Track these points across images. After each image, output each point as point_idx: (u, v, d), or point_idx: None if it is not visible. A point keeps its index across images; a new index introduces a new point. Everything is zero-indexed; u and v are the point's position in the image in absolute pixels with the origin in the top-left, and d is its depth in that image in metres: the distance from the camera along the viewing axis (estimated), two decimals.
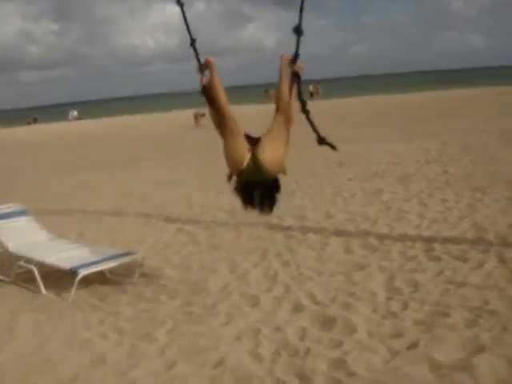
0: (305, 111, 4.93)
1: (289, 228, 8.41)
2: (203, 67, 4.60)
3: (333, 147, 5.13)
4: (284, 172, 4.37)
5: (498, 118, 22.64)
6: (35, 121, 65.11)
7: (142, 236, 8.91)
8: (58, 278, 6.86)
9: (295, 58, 4.65)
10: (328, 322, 5.12)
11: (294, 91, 4.51)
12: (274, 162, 4.20)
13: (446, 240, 7.29)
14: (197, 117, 35.46)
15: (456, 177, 11.46)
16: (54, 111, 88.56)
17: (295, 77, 4.48)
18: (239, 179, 4.30)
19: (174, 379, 4.34)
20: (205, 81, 4.57)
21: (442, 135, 18.79)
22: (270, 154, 4.16)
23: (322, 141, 5.03)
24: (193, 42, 5.13)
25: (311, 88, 58.49)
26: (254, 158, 4.14)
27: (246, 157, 4.17)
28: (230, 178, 4.45)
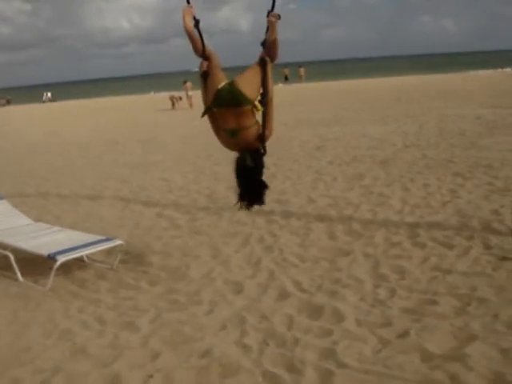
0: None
1: (270, 212, 8.28)
2: (206, 55, 4.70)
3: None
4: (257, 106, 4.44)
5: (472, 103, 22.73)
6: (9, 102, 64.19)
7: (120, 220, 8.73)
8: (36, 265, 6.66)
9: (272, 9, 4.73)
10: (315, 311, 5.02)
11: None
12: (250, 86, 4.41)
13: (429, 226, 7.22)
14: (173, 100, 35.22)
15: (436, 161, 11.43)
16: (28, 93, 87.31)
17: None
18: (214, 105, 4.50)
19: (160, 371, 4.20)
20: (205, 66, 4.68)
21: (418, 119, 18.81)
22: (246, 79, 4.45)
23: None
24: (197, 23, 5.02)
25: (286, 72, 58.79)
26: (231, 82, 4.41)
27: (223, 81, 4.45)
28: (204, 112, 4.68)
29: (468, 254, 6.12)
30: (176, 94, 35.80)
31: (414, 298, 5.13)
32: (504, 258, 5.93)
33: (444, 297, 5.09)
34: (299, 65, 61.82)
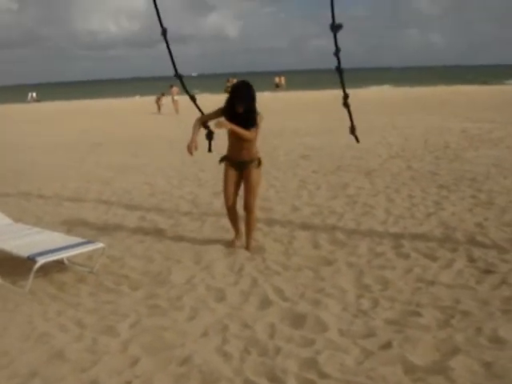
0: (346, 105, 7.41)
1: (257, 218, 8.21)
2: (211, 135, 7.46)
3: (357, 140, 7.72)
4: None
5: (457, 117, 22.89)
6: None
7: (102, 223, 8.63)
8: (15, 266, 6.54)
9: (336, 52, 6.75)
10: (298, 319, 4.95)
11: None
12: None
13: (413, 237, 7.21)
14: (158, 103, 35.26)
15: (421, 173, 11.47)
16: (12, 92, 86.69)
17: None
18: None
19: (138, 377, 4.11)
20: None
21: (403, 131, 18.90)
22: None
23: (352, 131, 7.53)
24: (164, 32, 5.48)
25: (277, 80, 59.05)
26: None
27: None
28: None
29: (452, 266, 6.11)
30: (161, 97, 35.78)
31: (397, 309, 5.09)
32: (487, 271, 5.92)
33: (427, 308, 5.06)
34: (281, 74, 62.17)
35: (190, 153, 6.83)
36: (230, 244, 7.19)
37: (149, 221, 8.69)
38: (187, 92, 8.05)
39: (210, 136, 7.67)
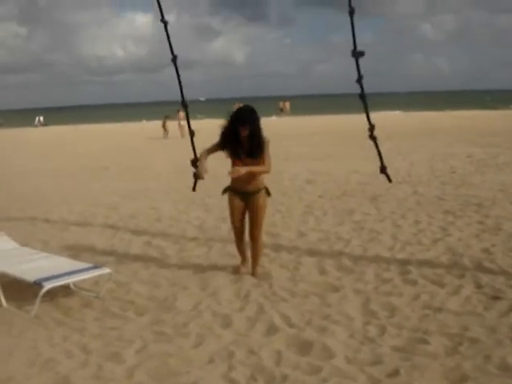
0: (372, 137, 7.46)
1: (263, 244, 8.20)
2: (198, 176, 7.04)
3: (389, 179, 7.47)
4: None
5: (463, 142, 22.91)
6: (1, 125, 64.21)
7: (108, 248, 8.63)
8: (21, 290, 6.54)
9: (359, 79, 6.72)
10: (304, 346, 4.93)
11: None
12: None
13: (420, 263, 7.18)
14: (164, 124, 35.53)
15: (427, 198, 11.45)
16: (20, 116, 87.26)
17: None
18: None
19: None
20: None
21: (409, 156, 18.90)
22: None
23: (383, 170, 7.37)
24: (174, 59, 5.53)
25: (281, 105, 59.61)
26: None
27: None
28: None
29: (459, 293, 6.07)
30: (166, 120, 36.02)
31: (405, 336, 5.06)
32: (495, 298, 5.89)
33: (435, 336, 5.02)
34: (286, 99, 62.80)
35: (202, 177, 6.87)
36: (235, 270, 7.14)
37: (155, 246, 8.68)
38: (189, 126, 7.97)
39: (198, 176, 7.37)
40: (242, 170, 6.39)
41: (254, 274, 6.97)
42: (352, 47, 6.70)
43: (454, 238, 8.32)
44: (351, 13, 6.64)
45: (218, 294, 6.39)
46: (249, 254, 7.15)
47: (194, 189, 7.76)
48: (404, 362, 4.55)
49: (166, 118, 36.35)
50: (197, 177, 7.32)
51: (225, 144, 6.61)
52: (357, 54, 6.65)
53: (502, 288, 6.16)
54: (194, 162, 7.32)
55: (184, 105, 7.92)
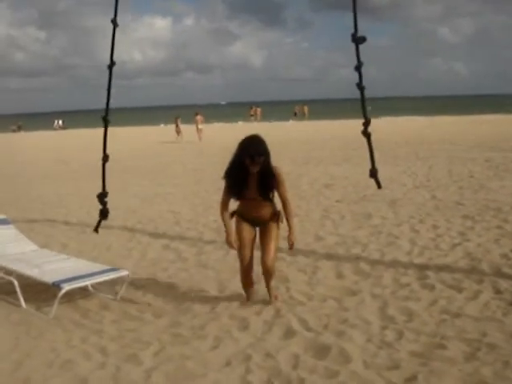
0: (365, 134, 6.62)
1: (278, 249, 8.20)
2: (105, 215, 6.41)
3: (379, 185, 7.07)
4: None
5: (481, 146, 22.75)
6: (20, 128, 64.73)
7: (127, 251, 8.69)
8: (39, 292, 6.62)
9: (358, 66, 6.11)
10: (321, 350, 4.92)
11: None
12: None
13: (438, 268, 7.14)
14: (177, 126, 35.54)
15: (445, 203, 11.39)
16: (39, 119, 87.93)
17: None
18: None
19: None
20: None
21: (427, 160, 18.81)
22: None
23: (373, 174, 5.99)
24: (111, 65, 5.51)
25: (296, 109, 60.16)
26: None
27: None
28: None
29: (478, 298, 6.03)
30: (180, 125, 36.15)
31: (422, 341, 5.03)
32: None
33: (453, 341, 4.99)
34: (303, 103, 63.65)
35: (233, 247, 5.97)
36: (244, 303, 6.22)
37: (173, 249, 8.72)
38: (104, 149, 7.70)
39: (104, 215, 7.17)
40: (292, 238, 5.95)
41: (271, 302, 6.12)
42: (353, 31, 6.25)
43: (472, 243, 8.26)
44: None
45: (235, 297, 6.40)
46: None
47: (96, 229, 7.44)
48: (422, 367, 4.53)
49: (177, 118, 36.24)
50: (102, 217, 6.99)
51: (232, 184, 5.94)
52: (357, 40, 6.21)
53: None
54: (102, 198, 6.92)
55: (104, 119, 7.53)
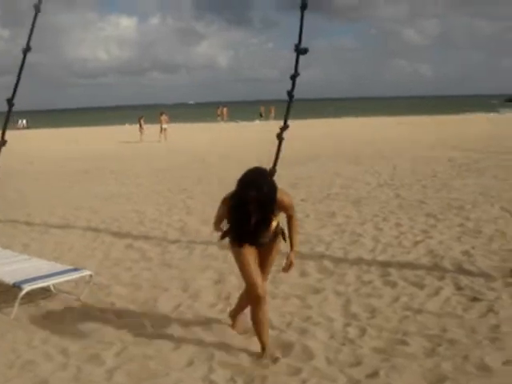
0: (279, 137, 5.66)
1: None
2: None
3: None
4: None
5: (444, 146, 23.05)
6: None
7: (89, 251, 8.60)
8: (0, 293, 6.51)
9: (294, 75, 5.25)
10: (284, 348, 4.93)
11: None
12: None
13: (401, 265, 7.22)
14: (140, 128, 35.57)
15: (409, 201, 11.51)
16: (2, 118, 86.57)
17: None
18: None
19: None
20: None
21: (391, 160, 18.99)
22: None
23: (271, 174, 5.74)
24: (27, 50, 5.27)
25: (262, 109, 60.43)
26: None
27: None
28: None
29: (439, 295, 6.11)
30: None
31: (385, 338, 5.08)
32: (475, 299, 5.93)
33: (414, 337, 5.05)
34: (270, 104, 63.63)
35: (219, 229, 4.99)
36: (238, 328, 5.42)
37: (137, 249, 8.66)
38: (8, 117, 7.48)
39: None
40: (292, 257, 4.99)
41: (265, 350, 4.82)
42: (297, 42, 6.53)
43: (434, 240, 8.37)
44: (303, 7, 6.46)
45: (199, 296, 6.39)
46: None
47: None
48: (383, 363, 4.57)
49: (140, 118, 36.36)
50: None
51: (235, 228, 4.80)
52: (300, 51, 6.41)
53: (481, 290, 6.21)
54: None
55: (9, 101, 7.43)
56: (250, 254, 4.83)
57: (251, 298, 4.89)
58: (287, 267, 4.97)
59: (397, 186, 13.59)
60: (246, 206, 4.45)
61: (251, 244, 4.83)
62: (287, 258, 4.96)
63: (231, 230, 4.80)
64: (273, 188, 4.62)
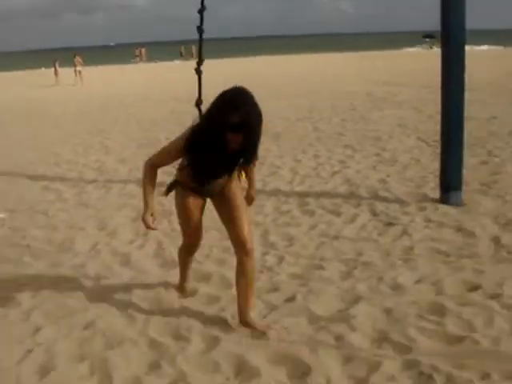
0: (198, 71, 5.11)
1: (161, 183, 8.11)
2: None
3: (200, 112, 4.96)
4: None
5: (364, 82, 23.27)
6: None
7: (4, 194, 8.33)
8: None
9: (201, 10, 4.84)
10: (203, 278, 4.96)
11: None
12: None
13: (319, 195, 7.32)
14: (55, 71, 34.60)
15: (327, 134, 11.63)
16: None
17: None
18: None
19: (40, 344, 4.00)
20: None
21: (311, 95, 19.08)
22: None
23: (197, 104, 5.23)
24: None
25: (182, 49, 59.38)
26: None
27: None
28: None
29: (355, 221, 6.25)
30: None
31: (302, 264, 5.17)
32: (389, 224, 6.10)
33: (331, 262, 5.16)
34: (191, 43, 62.46)
35: (150, 227, 4.08)
36: (180, 290, 4.79)
37: (53, 190, 8.45)
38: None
39: None
40: (254, 190, 4.68)
41: (244, 322, 4.11)
42: None
43: (351, 170, 8.51)
44: None
45: (116, 234, 6.32)
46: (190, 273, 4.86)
47: None
48: (301, 287, 4.66)
49: (55, 61, 35.36)
50: None
51: (198, 167, 4.03)
52: None
53: (395, 215, 6.39)
54: None
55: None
56: (195, 204, 4.32)
57: (187, 242, 4.63)
58: (249, 203, 4.61)
59: (316, 119, 13.69)
60: (226, 133, 3.66)
61: (199, 193, 4.24)
62: (247, 196, 4.56)
63: (192, 167, 4.02)
64: (261, 119, 3.83)
